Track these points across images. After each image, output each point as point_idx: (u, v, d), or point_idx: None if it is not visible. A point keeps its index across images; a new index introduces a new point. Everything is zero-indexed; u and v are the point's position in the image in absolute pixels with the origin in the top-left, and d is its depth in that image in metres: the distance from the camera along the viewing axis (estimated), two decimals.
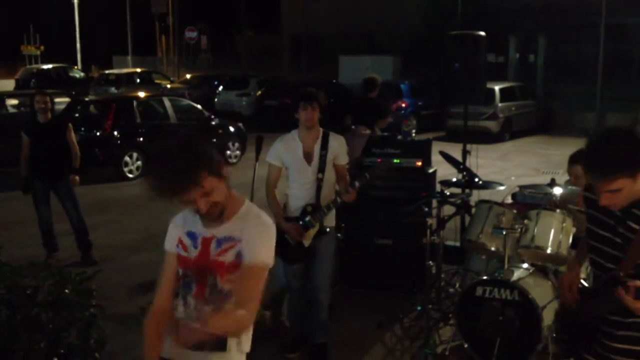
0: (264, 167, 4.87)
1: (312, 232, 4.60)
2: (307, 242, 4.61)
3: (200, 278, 2.55)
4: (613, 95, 19.18)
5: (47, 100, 6.98)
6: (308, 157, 4.62)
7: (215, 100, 22.50)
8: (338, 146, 4.67)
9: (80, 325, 4.14)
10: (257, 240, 2.51)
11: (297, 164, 4.62)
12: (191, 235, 2.60)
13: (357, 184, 4.48)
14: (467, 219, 5.93)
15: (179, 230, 2.65)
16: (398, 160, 6.36)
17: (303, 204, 4.61)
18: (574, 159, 5.04)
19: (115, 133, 12.15)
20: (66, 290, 4.15)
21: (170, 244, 2.65)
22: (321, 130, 4.69)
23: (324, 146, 4.60)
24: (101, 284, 4.35)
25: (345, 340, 5.23)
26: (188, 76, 28.62)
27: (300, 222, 4.59)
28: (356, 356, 4.98)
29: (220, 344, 2.52)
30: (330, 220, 4.69)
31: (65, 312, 4.10)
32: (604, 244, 2.58)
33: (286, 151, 4.66)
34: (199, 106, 14.12)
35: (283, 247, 4.56)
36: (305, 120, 4.54)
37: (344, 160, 4.73)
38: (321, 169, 4.59)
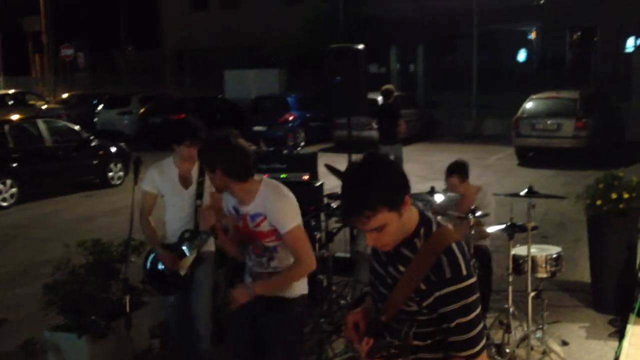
0: None
1: (189, 260, 4.41)
2: (182, 271, 4.40)
3: (252, 241, 3.40)
4: (488, 101, 20.23)
5: None
6: (184, 181, 4.49)
7: (95, 119, 21.65)
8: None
9: None
10: (279, 212, 3.26)
11: (173, 189, 4.47)
12: (235, 210, 3.40)
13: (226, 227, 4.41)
14: (356, 230, 5.99)
15: (228, 203, 3.46)
16: (285, 175, 6.35)
17: (180, 230, 4.47)
18: (450, 170, 5.27)
19: None
20: None
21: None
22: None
23: (202, 172, 4.44)
24: None
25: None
26: (65, 96, 27.36)
27: (177, 250, 4.42)
28: None
29: None
30: (209, 246, 4.53)
31: None
32: (379, 281, 2.32)
33: (161, 177, 4.50)
34: (77, 127, 13.53)
35: (157, 278, 4.43)
36: (188, 157, 4.41)
37: None
38: (199, 195, 4.45)
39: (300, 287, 3.44)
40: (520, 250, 5.19)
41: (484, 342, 2.19)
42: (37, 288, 5.58)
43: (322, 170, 6.47)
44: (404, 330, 2.20)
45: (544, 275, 5.10)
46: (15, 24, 37.06)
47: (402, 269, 2.21)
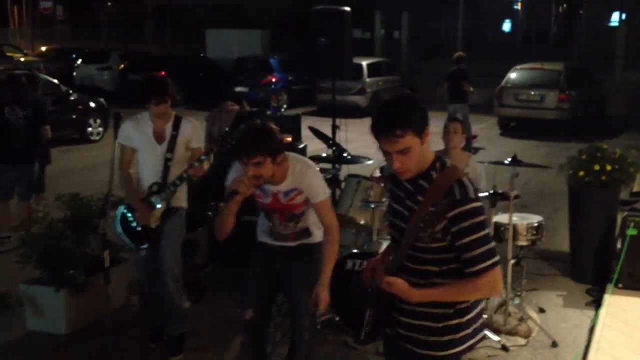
0: None
1: (158, 212, 4.42)
2: (153, 224, 4.42)
3: (279, 211, 3.59)
4: (472, 70, 20.13)
5: None
6: (158, 137, 4.46)
7: (74, 74, 21.22)
8: (191, 130, 4.53)
9: None
10: (313, 185, 3.50)
11: (147, 144, 4.45)
12: (261, 189, 3.51)
13: (203, 158, 4.39)
14: (338, 193, 5.97)
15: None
16: None
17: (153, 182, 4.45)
18: (450, 118, 5.20)
19: None
20: None
21: (229, 181, 3.43)
22: (173, 114, 4.55)
23: (176, 127, 4.48)
24: None
25: (215, 320, 5.14)
26: (44, 49, 26.79)
27: (147, 202, 4.41)
28: (229, 337, 4.88)
29: (306, 233, 3.68)
30: (180, 201, 4.54)
31: None
32: (398, 218, 2.60)
33: (136, 131, 4.47)
34: (55, 80, 13.24)
35: (129, 232, 4.44)
36: (157, 115, 4.43)
37: (197, 143, 4.59)
38: (170, 148, 4.44)
39: (319, 235, 3.68)
40: (501, 218, 5.21)
41: (497, 258, 2.42)
42: (13, 241, 5.50)
43: (305, 132, 6.41)
44: (407, 236, 2.46)
45: (524, 244, 5.13)
46: None
47: (420, 198, 2.47)
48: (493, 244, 2.43)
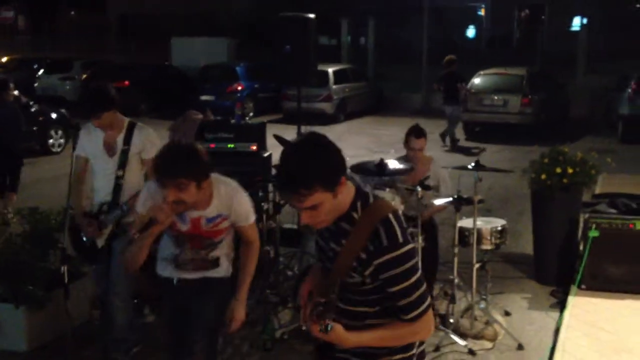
0: None
1: (106, 231, 4.33)
2: (100, 242, 4.34)
3: (195, 239, 3.26)
4: (437, 76, 20.33)
5: None
6: (109, 149, 4.32)
7: (36, 84, 20.86)
8: (144, 139, 4.35)
9: None
10: (242, 209, 3.24)
11: (98, 155, 4.33)
12: (178, 215, 3.14)
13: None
14: None
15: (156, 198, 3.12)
16: (232, 145, 6.23)
17: (105, 199, 4.33)
18: (415, 132, 5.20)
19: None
20: None
21: (143, 207, 3.18)
22: (127, 121, 4.39)
23: (127, 140, 4.30)
24: None
25: None
26: (4, 59, 26.27)
27: (96, 219, 4.32)
28: None
29: (215, 264, 3.35)
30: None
31: None
32: (323, 256, 2.39)
33: (88, 141, 4.36)
34: (16, 92, 12.95)
35: (79, 245, 4.38)
36: (100, 127, 4.28)
37: (151, 154, 4.27)
38: (122, 165, 4.30)
39: (227, 269, 3.43)
40: (466, 222, 5.23)
41: (426, 304, 2.26)
42: None
43: (270, 140, 6.37)
44: (331, 291, 2.23)
45: (489, 247, 5.16)
46: None
47: (343, 242, 2.25)
48: (423, 288, 2.24)
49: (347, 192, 2.25)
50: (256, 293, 5.37)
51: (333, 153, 2.19)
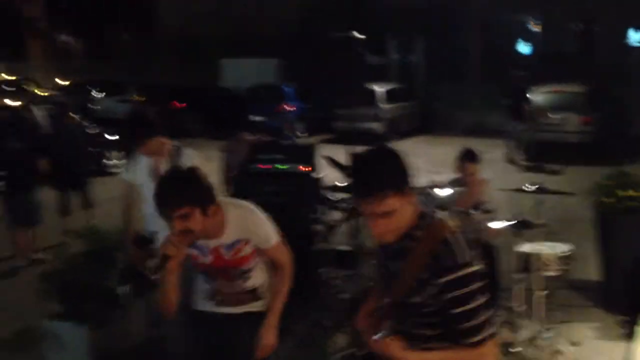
0: None
1: (152, 262, 4.25)
2: (144, 268, 4.26)
3: (224, 271, 3.07)
4: (490, 94, 20.00)
5: None
6: (156, 175, 4.19)
7: (93, 107, 21.42)
8: (189, 164, 4.28)
9: None
10: (260, 229, 3.04)
11: (146, 182, 4.22)
12: (196, 247, 2.97)
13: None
14: (358, 223, 5.83)
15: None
16: (284, 166, 6.19)
17: (155, 227, 4.12)
18: (467, 157, 5.04)
19: None
20: None
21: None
22: (171, 145, 4.30)
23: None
24: None
25: None
26: (63, 82, 27.15)
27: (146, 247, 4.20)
28: None
29: (255, 295, 3.18)
30: None
31: None
32: (383, 277, 2.39)
33: (136, 167, 4.33)
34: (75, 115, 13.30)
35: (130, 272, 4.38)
36: (145, 154, 4.21)
37: None
38: None
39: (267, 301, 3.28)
40: (527, 247, 5.02)
41: (488, 331, 2.18)
42: (37, 273, 5.50)
43: (321, 161, 6.30)
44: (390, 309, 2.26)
45: (553, 274, 4.93)
46: (13, 9, 36.77)
47: (404, 261, 2.25)
48: (486, 314, 2.18)
49: (412, 210, 2.26)
50: (310, 317, 5.28)
51: (402, 160, 2.25)
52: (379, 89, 17.68)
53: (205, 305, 3.22)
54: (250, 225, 3.02)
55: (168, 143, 4.29)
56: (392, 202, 2.16)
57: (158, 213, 2.80)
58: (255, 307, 3.19)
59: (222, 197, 3.04)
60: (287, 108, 18.45)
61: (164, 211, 2.75)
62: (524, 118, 13.19)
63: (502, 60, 24.07)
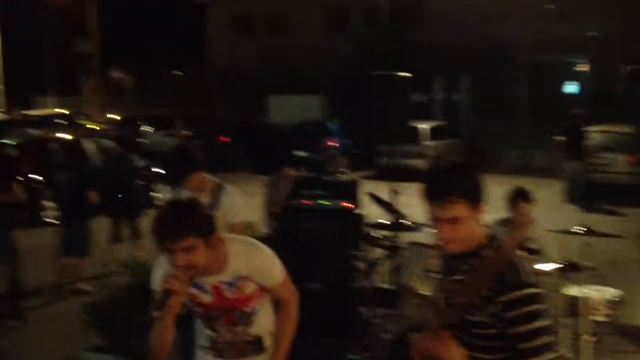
0: None
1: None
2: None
3: (226, 313, 2.81)
4: (536, 133, 19.75)
5: None
6: None
7: (142, 140, 21.93)
8: (230, 202, 4.21)
9: None
10: (265, 264, 2.81)
11: None
12: (195, 285, 2.71)
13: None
14: (400, 261, 5.78)
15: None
16: (327, 202, 6.21)
17: None
18: (520, 196, 4.96)
19: (33, 176, 11.58)
20: None
21: (156, 284, 2.72)
22: (213, 183, 4.25)
23: (214, 204, 4.12)
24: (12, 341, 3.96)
25: None
26: (113, 116, 27.94)
27: None
28: None
29: (259, 346, 2.90)
30: None
31: None
32: (444, 293, 2.40)
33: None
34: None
35: None
36: (194, 189, 4.14)
37: (235, 217, 4.22)
38: None
39: None
40: (574, 290, 4.90)
41: (552, 354, 2.17)
42: (81, 303, 5.62)
43: (364, 198, 6.30)
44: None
45: (601, 319, 4.80)
46: (66, 46, 38.18)
47: (468, 278, 2.27)
48: (549, 337, 2.18)
49: (480, 229, 2.32)
50: (350, 357, 5.23)
51: (479, 178, 2.33)
52: (423, 126, 17.67)
53: (204, 358, 2.96)
54: (254, 260, 2.79)
55: (210, 179, 4.29)
56: (462, 210, 2.22)
57: (159, 248, 2.60)
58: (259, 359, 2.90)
59: (223, 233, 2.84)
60: (331, 144, 18.58)
61: (167, 244, 2.54)
62: (581, 156, 12.97)
63: (549, 100, 23.86)
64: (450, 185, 2.24)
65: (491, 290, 2.19)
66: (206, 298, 2.79)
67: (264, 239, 4.71)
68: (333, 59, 26.27)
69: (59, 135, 14.07)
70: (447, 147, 18.24)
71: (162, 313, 2.55)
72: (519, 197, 5.00)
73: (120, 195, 8.81)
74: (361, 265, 5.43)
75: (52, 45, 36.90)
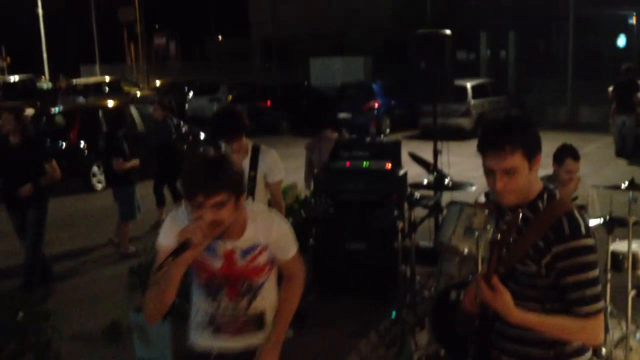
0: None
1: None
2: None
3: (231, 282, 2.63)
4: (583, 89, 19.26)
5: (12, 118, 6.04)
6: None
7: (186, 106, 22.23)
8: (269, 162, 4.31)
9: (36, 349, 3.97)
10: (285, 236, 2.67)
11: None
12: (208, 248, 2.53)
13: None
14: (441, 219, 5.80)
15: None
16: (367, 163, 6.23)
17: None
18: (565, 152, 4.86)
19: (82, 144, 11.88)
20: (20, 315, 3.97)
21: (166, 239, 2.54)
22: (250, 144, 4.31)
23: (254, 165, 4.23)
24: (59, 304, 4.15)
25: (319, 351, 5.07)
26: (158, 83, 28.31)
27: None
28: None
29: (260, 324, 2.71)
30: None
31: (19, 338, 3.92)
32: (497, 243, 2.37)
33: None
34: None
35: None
36: (235, 151, 4.17)
37: (277, 177, 4.33)
38: (251, 191, 4.21)
39: None
40: (619, 245, 4.83)
41: (600, 305, 2.20)
42: (125, 267, 5.78)
43: (405, 158, 6.30)
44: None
45: None
46: (111, 14, 38.64)
47: (522, 229, 2.28)
48: (599, 287, 2.21)
49: (536, 181, 2.32)
50: (391, 313, 5.30)
51: (536, 130, 2.32)
52: (468, 84, 17.40)
53: (201, 338, 2.75)
54: (274, 230, 2.63)
55: (246, 141, 4.34)
56: (517, 161, 2.22)
57: (188, 200, 2.43)
58: (258, 339, 2.71)
59: (244, 201, 2.65)
60: (375, 105, 18.49)
61: (199, 197, 2.36)
62: (632, 110, 12.66)
63: (598, 54, 23.13)
64: (506, 135, 2.24)
65: (545, 240, 2.21)
66: (215, 264, 2.61)
67: (305, 201, 4.80)
68: (375, 20, 25.93)
69: (105, 102, 14.31)
70: (493, 105, 17.95)
71: (172, 265, 2.34)
72: (565, 153, 4.90)
73: (162, 160, 9.04)
74: (403, 224, 5.45)
75: (96, 13, 37.37)
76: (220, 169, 2.39)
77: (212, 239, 2.46)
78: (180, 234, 2.36)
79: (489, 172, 2.29)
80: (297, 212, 4.27)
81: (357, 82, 21.35)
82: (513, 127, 2.26)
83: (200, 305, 2.72)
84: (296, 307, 2.78)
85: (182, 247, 2.33)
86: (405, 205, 5.58)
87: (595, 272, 2.21)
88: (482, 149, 2.29)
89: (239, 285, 2.64)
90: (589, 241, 2.21)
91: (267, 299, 2.71)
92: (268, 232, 2.61)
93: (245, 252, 2.60)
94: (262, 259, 2.64)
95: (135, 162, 7.77)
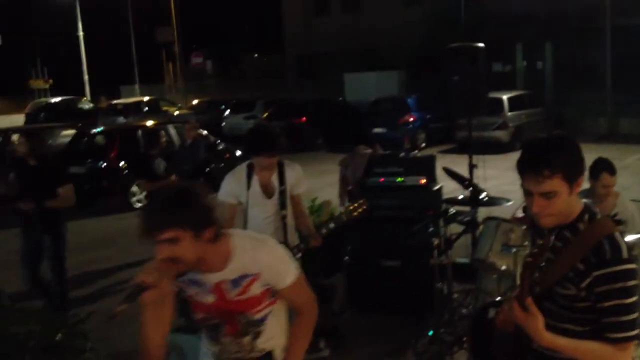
0: None
1: None
2: None
3: (227, 318, 2.48)
4: (624, 99, 18.88)
5: (25, 142, 5.98)
6: (266, 189, 4.32)
7: (223, 124, 22.47)
8: (296, 176, 4.42)
9: None
10: (275, 262, 2.46)
11: (256, 199, 4.27)
12: (195, 282, 2.43)
13: (330, 226, 4.18)
14: (478, 234, 5.72)
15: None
16: (401, 179, 6.20)
17: None
18: (601, 167, 4.75)
19: (121, 163, 12.11)
20: (59, 335, 4.04)
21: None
22: (276, 161, 4.36)
23: (282, 180, 4.32)
24: (98, 324, 4.19)
25: None
26: (195, 102, 28.70)
27: None
28: None
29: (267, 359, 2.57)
30: None
31: (57, 358, 3.99)
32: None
33: (239, 186, 4.32)
34: (204, 132, 14.05)
35: None
36: (265, 167, 4.22)
37: (300, 189, 4.44)
38: (283, 205, 4.30)
39: None
40: None
41: (635, 333, 2.16)
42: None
43: (440, 173, 6.25)
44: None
45: None
46: (149, 35, 39.44)
47: (561, 251, 2.24)
48: (637, 314, 2.16)
49: (577, 202, 2.27)
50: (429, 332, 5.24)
51: (580, 151, 2.26)
52: (504, 96, 17.22)
53: None
54: (262, 256, 2.43)
55: (276, 159, 4.36)
56: (556, 185, 2.17)
57: (141, 237, 2.29)
58: None
59: (234, 229, 2.56)
60: (409, 119, 18.41)
61: (147, 235, 2.24)
62: None
63: (636, 65, 22.65)
64: (546, 158, 2.17)
65: (586, 263, 2.16)
66: (207, 299, 2.46)
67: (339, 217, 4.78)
68: (408, 34, 25.90)
69: (144, 122, 14.58)
70: (530, 117, 17.72)
71: (126, 307, 2.14)
72: (601, 167, 4.79)
73: (197, 178, 9.13)
74: (438, 241, 5.40)
75: (135, 34, 38.18)
76: (173, 203, 2.23)
77: (175, 276, 2.30)
78: (136, 276, 2.22)
79: (527, 193, 2.25)
80: (328, 226, 4.29)
81: (391, 96, 21.30)
82: (553, 149, 2.20)
83: (206, 348, 2.65)
84: (308, 344, 2.57)
85: (137, 290, 2.17)
86: (441, 222, 5.52)
87: (634, 299, 2.16)
88: (521, 171, 2.24)
89: (236, 321, 2.48)
90: (630, 266, 2.16)
91: (274, 336, 2.54)
92: (257, 258, 2.41)
93: (235, 283, 2.41)
94: (256, 289, 2.43)
95: (157, 184, 7.52)
